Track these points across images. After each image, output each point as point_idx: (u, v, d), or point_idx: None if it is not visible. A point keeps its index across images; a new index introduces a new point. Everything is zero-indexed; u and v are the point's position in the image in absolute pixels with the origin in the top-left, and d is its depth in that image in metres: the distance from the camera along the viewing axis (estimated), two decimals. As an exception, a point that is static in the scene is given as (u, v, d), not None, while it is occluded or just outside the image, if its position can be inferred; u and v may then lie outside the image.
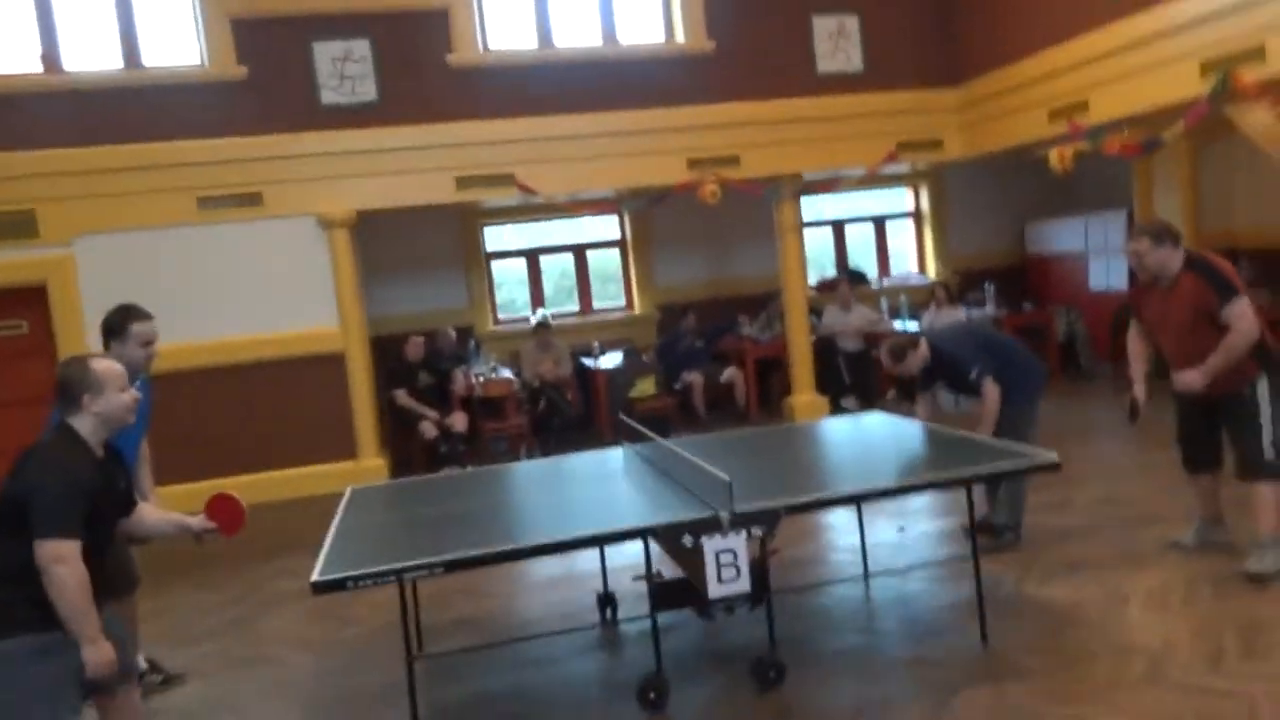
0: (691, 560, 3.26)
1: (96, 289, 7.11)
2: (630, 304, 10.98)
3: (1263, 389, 4.09)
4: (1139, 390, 4.39)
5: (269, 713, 3.74)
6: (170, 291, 7.60)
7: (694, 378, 9.09)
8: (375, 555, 3.21)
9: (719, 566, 3.16)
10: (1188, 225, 9.51)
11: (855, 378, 9.34)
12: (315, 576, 2.98)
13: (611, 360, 9.35)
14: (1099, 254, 10.33)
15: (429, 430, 8.08)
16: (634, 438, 4.56)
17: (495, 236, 10.71)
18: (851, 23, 8.59)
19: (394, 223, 8.68)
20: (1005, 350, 4.83)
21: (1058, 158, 7.42)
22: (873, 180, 9.74)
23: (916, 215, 11.85)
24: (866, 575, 4.45)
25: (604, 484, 4.27)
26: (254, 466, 7.71)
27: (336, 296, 7.94)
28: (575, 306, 10.83)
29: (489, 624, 4.43)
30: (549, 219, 10.58)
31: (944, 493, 4.92)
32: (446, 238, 10.10)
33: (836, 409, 9.01)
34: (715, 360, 9.53)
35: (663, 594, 3.50)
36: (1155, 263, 4.13)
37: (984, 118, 8.50)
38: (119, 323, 3.66)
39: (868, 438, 4.88)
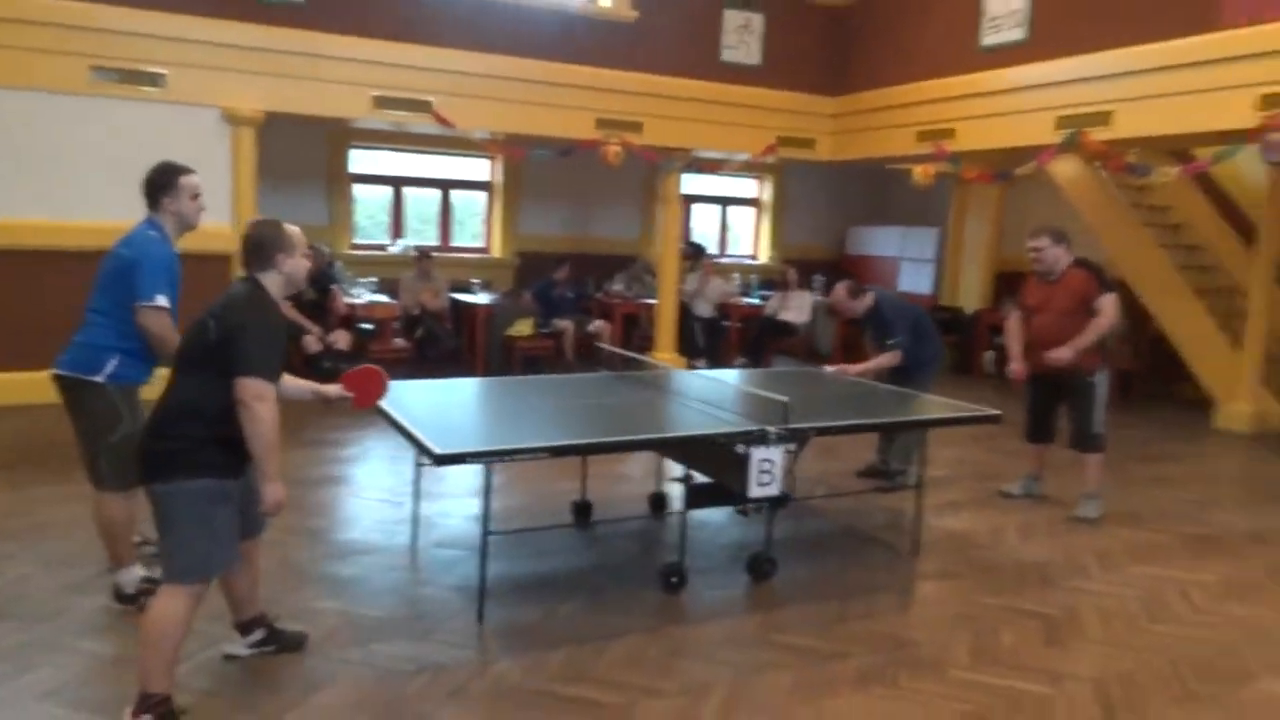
0: (730, 466, 3.87)
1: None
2: (489, 247, 11.26)
3: (1101, 379, 5.30)
4: (1015, 365, 5.50)
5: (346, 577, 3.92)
6: (51, 163, 7.10)
7: (566, 324, 9.57)
8: (477, 439, 3.55)
9: (760, 472, 3.80)
10: (990, 248, 11.30)
11: (708, 342, 10.23)
12: (438, 451, 3.28)
13: (483, 299, 9.62)
14: (911, 261, 11.92)
15: (312, 344, 7.98)
16: (528, 371, 5.06)
17: (360, 160, 10.57)
18: (757, 20, 9.39)
19: (267, 130, 8.41)
20: (926, 333, 5.79)
21: (922, 173, 8.66)
22: (750, 167, 10.66)
23: (758, 203, 12.99)
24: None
25: (631, 398, 4.74)
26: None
27: (234, 196, 7.66)
28: (434, 241, 10.93)
29: (551, 510, 4.87)
30: (417, 151, 10.63)
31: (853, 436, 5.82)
32: (313, 152, 9.92)
33: (690, 369, 9.85)
34: (583, 312, 10.06)
35: (696, 494, 4.10)
36: (1051, 257, 5.23)
37: (857, 128, 9.61)
38: (170, 177, 3.63)
39: (812, 384, 5.63)
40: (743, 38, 9.36)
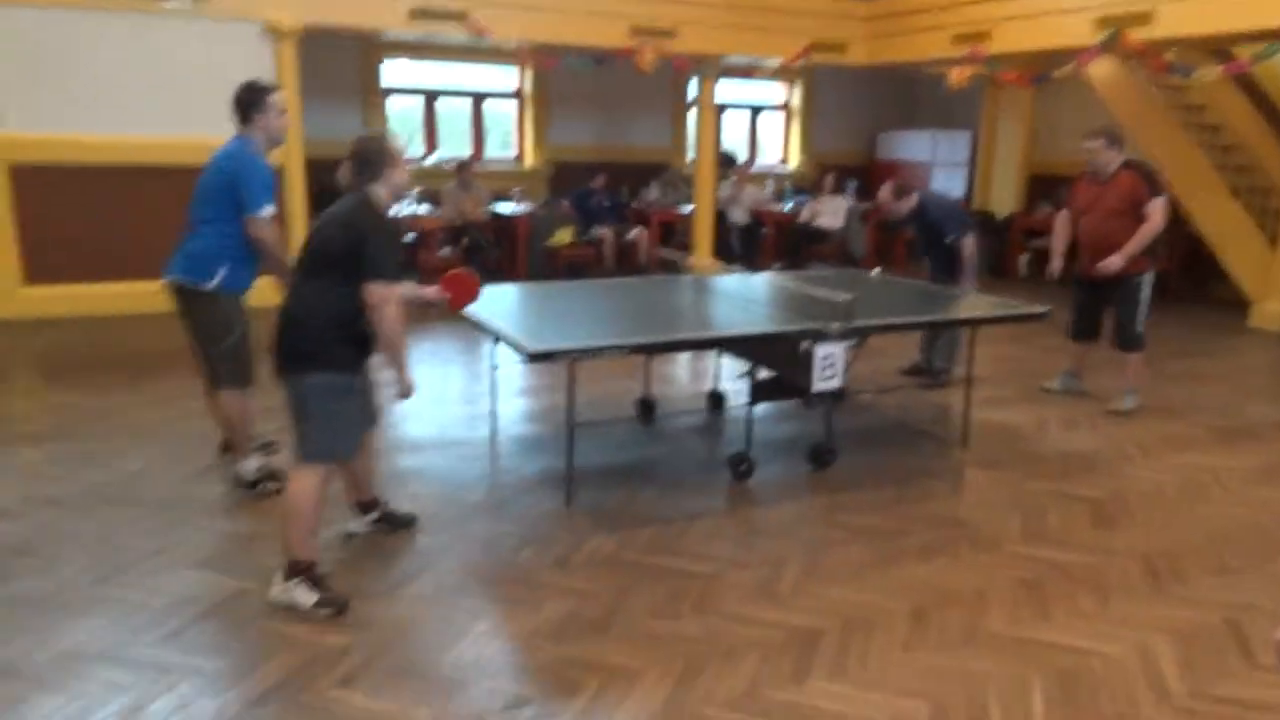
0: (794, 362, 4.10)
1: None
2: (522, 157, 11.33)
3: (1147, 281, 5.46)
4: (1057, 261, 5.66)
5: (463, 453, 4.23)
6: (95, 81, 7.22)
7: (605, 233, 9.73)
8: (560, 338, 3.79)
9: (823, 368, 4.03)
10: (1023, 151, 11.27)
11: (744, 248, 10.37)
12: (530, 347, 3.52)
13: (523, 208, 9.77)
14: (943, 165, 11.89)
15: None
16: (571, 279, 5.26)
17: (391, 72, 10.59)
18: (792, -79, 9.25)
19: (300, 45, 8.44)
20: (971, 230, 5.94)
21: (956, 76, 8.64)
22: (781, 72, 10.61)
23: (787, 109, 12.93)
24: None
25: (689, 300, 5.00)
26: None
27: (280, 109, 7.77)
28: (467, 152, 11.00)
29: (620, 404, 5.17)
30: (447, 60, 10.63)
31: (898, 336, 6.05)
32: (346, 67, 9.94)
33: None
34: (621, 220, 10.20)
35: (759, 389, 4.35)
36: (1104, 159, 5.33)
37: (890, 30, 9.54)
38: (259, 95, 3.79)
39: (858, 285, 5.85)
40: (777, -60, 9.24)
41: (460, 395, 5.49)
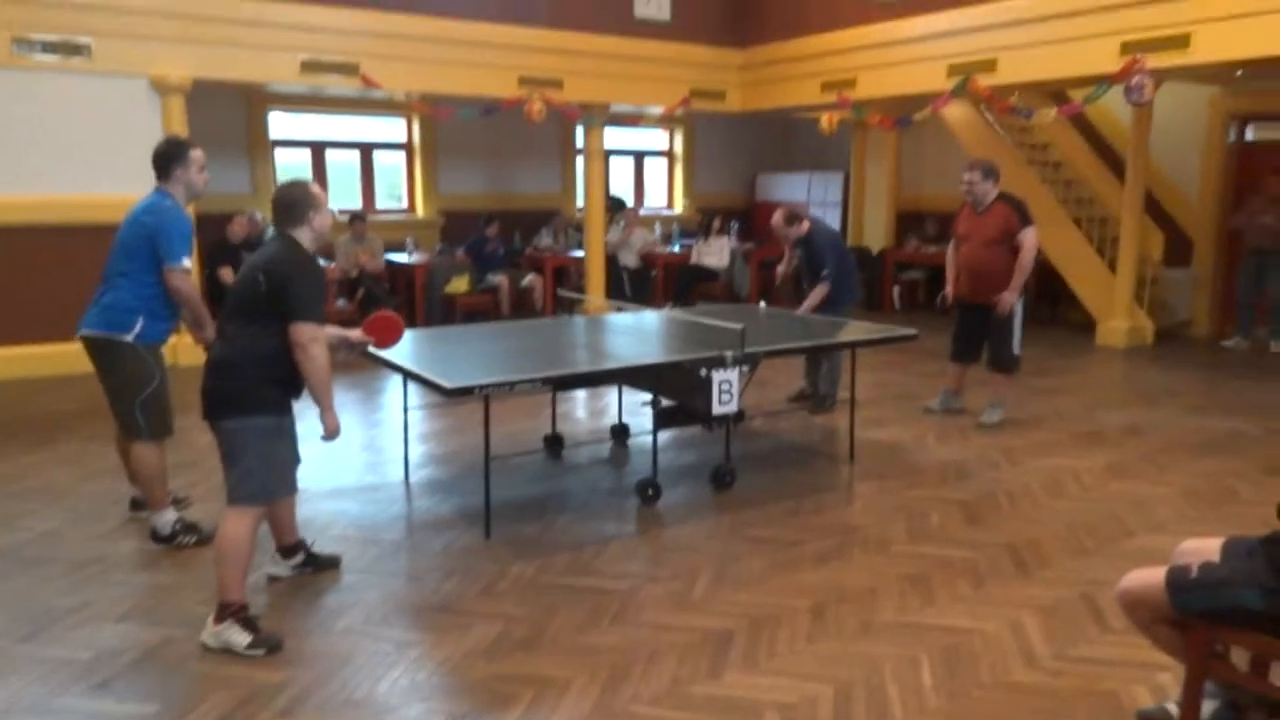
0: (694, 389, 4.40)
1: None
2: (413, 207, 11.46)
3: (1019, 307, 5.97)
4: (950, 288, 6.16)
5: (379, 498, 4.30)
6: (-22, 139, 7.06)
7: (501, 279, 9.92)
8: (468, 375, 3.97)
9: (720, 392, 4.35)
10: (890, 189, 12.05)
11: (635, 290, 10.73)
12: (447, 385, 3.70)
13: (416, 258, 9.88)
14: (818, 205, 12.59)
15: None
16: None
17: (280, 124, 10.61)
18: (667, -23, 9.80)
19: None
20: (849, 269, 6.41)
21: (827, 121, 9.27)
22: (662, 119, 11.09)
23: (670, 155, 13.47)
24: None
25: (598, 337, 5.27)
26: (63, 336, 7.35)
27: (167, 166, 7.72)
28: (357, 204, 11.07)
29: (527, 441, 5.36)
30: (336, 113, 10.73)
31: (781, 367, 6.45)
32: (233, 119, 9.94)
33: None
34: (515, 267, 10.41)
35: (663, 416, 4.63)
36: (981, 190, 5.86)
37: (765, 79, 10.16)
38: (180, 150, 3.90)
39: (744, 318, 6.23)
40: (655, -5, 9.77)
41: (364, 441, 5.58)
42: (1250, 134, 9.61)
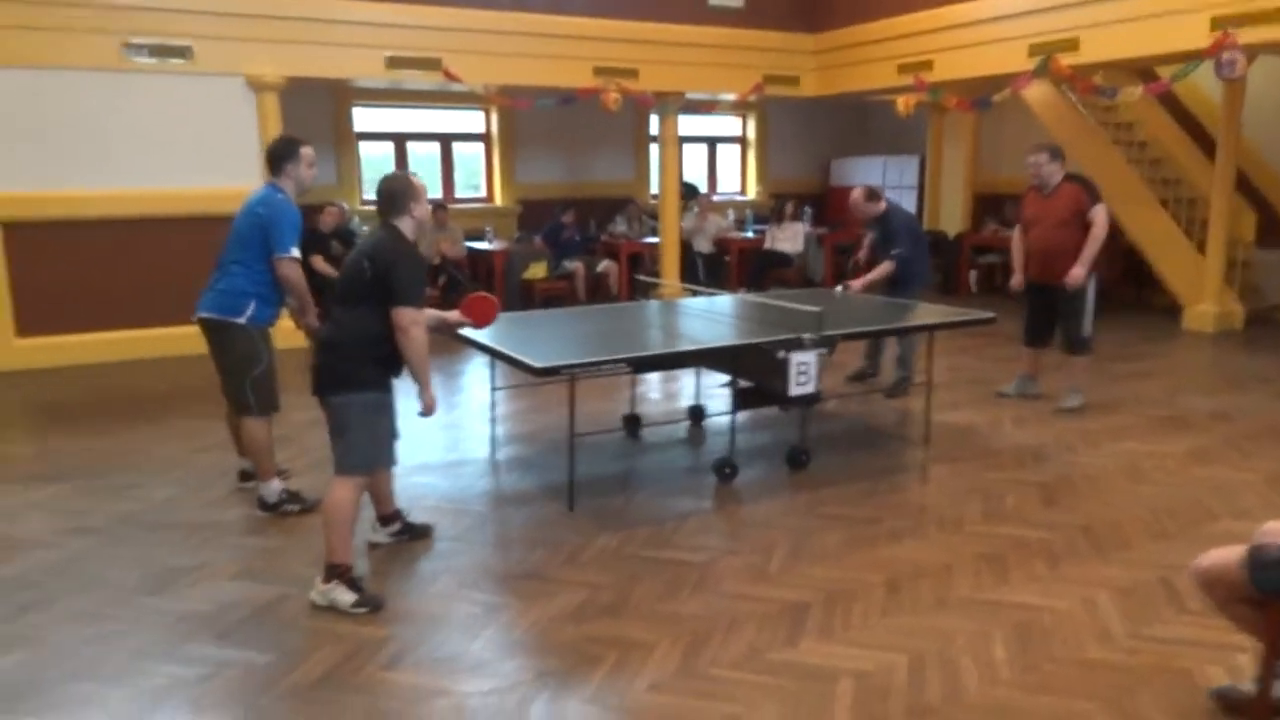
0: (771, 371, 4.49)
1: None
2: (491, 196, 11.74)
3: (1091, 287, 5.93)
4: (1016, 279, 6.14)
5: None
6: (91, 137, 7.50)
7: (577, 265, 10.12)
8: (552, 357, 4.14)
9: (798, 374, 4.43)
10: (967, 171, 11.89)
11: (709, 276, 10.83)
12: (537, 365, 3.88)
13: (496, 245, 10.14)
14: (893, 189, 12.47)
15: (345, 296, 8.51)
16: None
17: (363, 118, 10.97)
18: (740, -35, 9.83)
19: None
20: (922, 252, 6.43)
21: (904, 104, 9.21)
22: (736, 105, 11.14)
23: (743, 141, 13.49)
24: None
25: (676, 321, 5.41)
26: (165, 320, 7.84)
27: (262, 159, 8.07)
28: (438, 194, 11.38)
29: (605, 421, 5.54)
30: (416, 106, 11.05)
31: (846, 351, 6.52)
32: (320, 114, 10.31)
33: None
34: (591, 253, 10.61)
35: (741, 397, 4.74)
36: (1048, 172, 5.81)
37: (839, 63, 10.12)
38: (291, 149, 4.17)
39: (822, 301, 6.29)
40: (728, -18, 9.81)
41: (449, 420, 5.81)
42: (1351, 110, 9.23)
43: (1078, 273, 5.71)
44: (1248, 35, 6.72)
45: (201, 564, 3.69)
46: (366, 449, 3.37)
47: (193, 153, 7.88)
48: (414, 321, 3.29)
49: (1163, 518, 4.16)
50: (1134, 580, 3.51)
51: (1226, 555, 2.55)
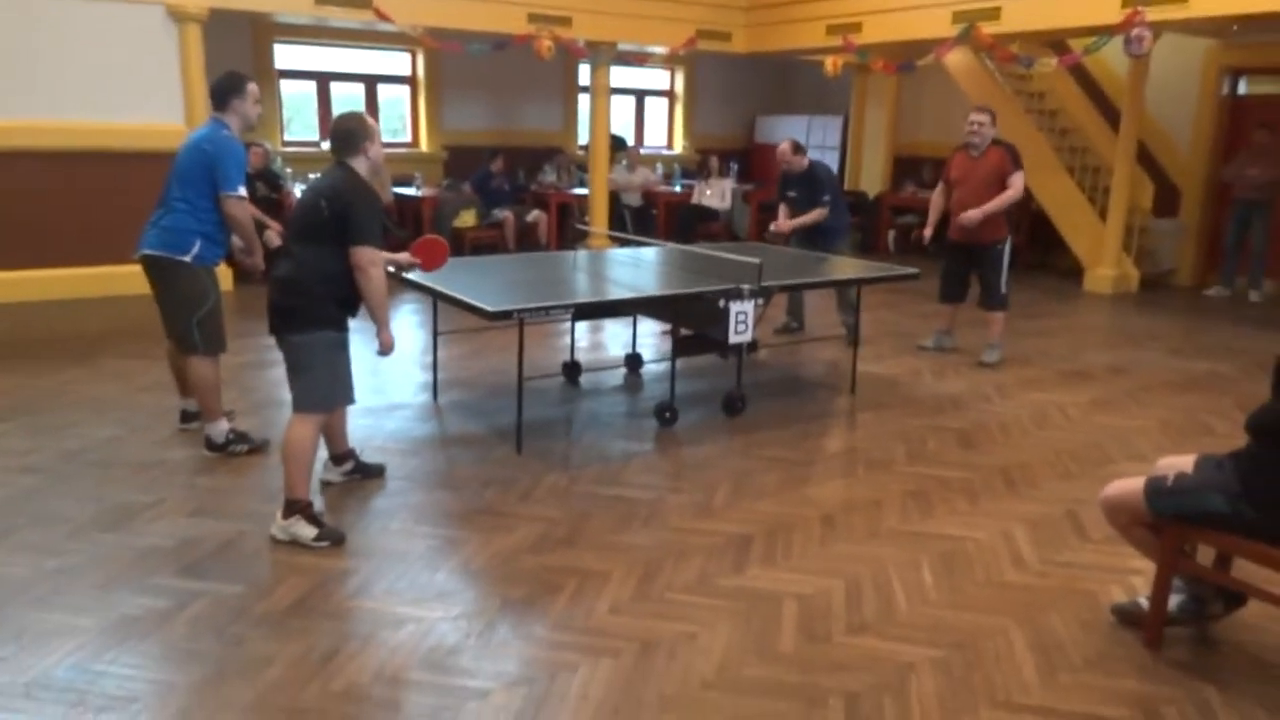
0: (712, 319, 4.68)
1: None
2: (416, 141, 11.56)
3: (1006, 247, 6.27)
4: (928, 230, 6.45)
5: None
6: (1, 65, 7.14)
7: (506, 215, 10.10)
8: (498, 302, 4.22)
9: (737, 322, 4.63)
10: (888, 133, 12.22)
11: (637, 228, 10.94)
12: (489, 309, 3.96)
13: (424, 192, 10.04)
14: (817, 149, 12.74)
15: (273, 239, 8.26)
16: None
17: (285, 56, 10.64)
18: (677, -85, 9.83)
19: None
20: (842, 203, 6.72)
21: (832, 64, 9.43)
22: (666, 59, 11.17)
23: (671, 95, 13.55)
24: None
25: (615, 270, 5.51)
26: (79, 259, 7.62)
27: (184, 94, 7.84)
28: (364, 137, 11.12)
29: (543, 368, 5.66)
30: (340, 45, 10.77)
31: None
32: (239, 50, 9.95)
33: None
34: (520, 203, 10.59)
35: (681, 344, 4.92)
36: (986, 134, 6.09)
37: (770, 20, 10.26)
38: (237, 83, 4.10)
39: (753, 254, 6.51)
40: (664, -66, 9.80)
41: (389, 363, 5.83)
42: (1243, 87, 9.84)
43: (972, 214, 6.00)
44: (1155, 14, 7.12)
45: (156, 501, 3.70)
46: (326, 387, 3.43)
47: (111, 85, 7.58)
48: (372, 261, 3.33)
49: (1067, 460, 4.53)
50: (1043, 514, 3.85)
51: (1129, 485, 2.86)
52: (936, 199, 6.45)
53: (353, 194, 3.35)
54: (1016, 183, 6.02)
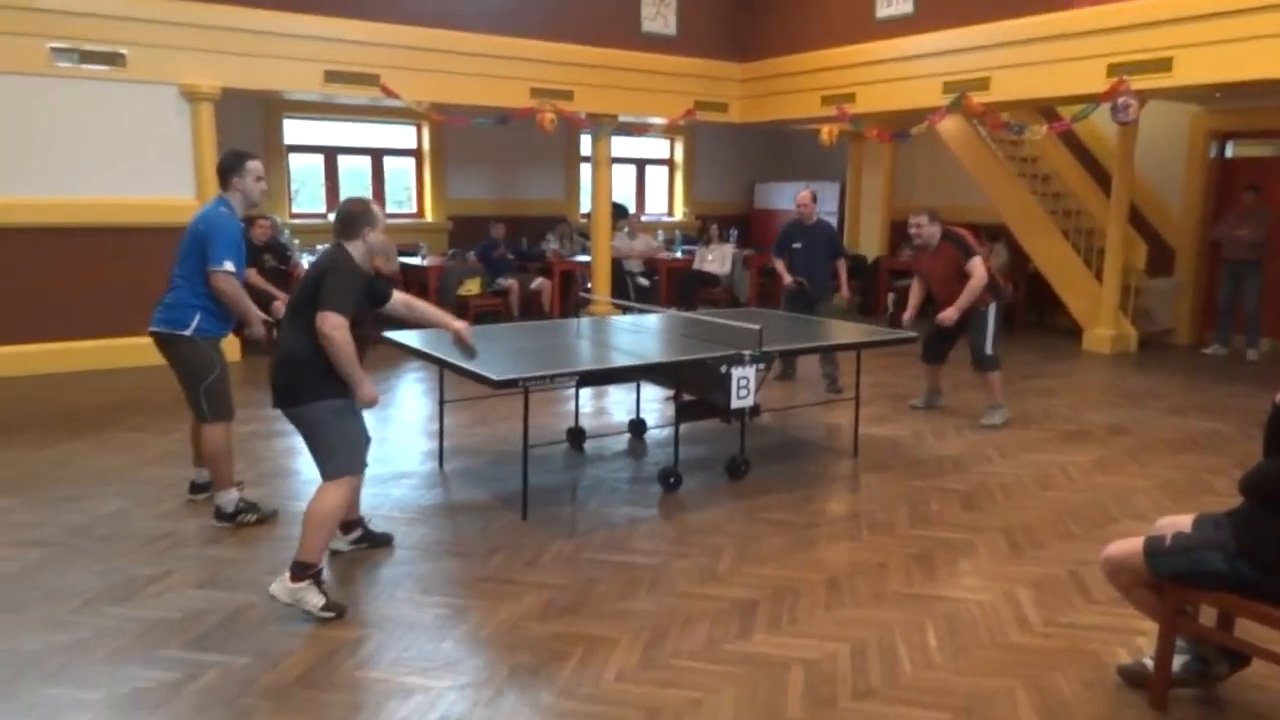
0: (714, 384, 4.75)
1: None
2: (421, 212, 11.80)
3: (992, 311, 6.38)
4: (908, 316, 6.56)
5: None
6: (15, 144, 7.35)
7: (510, 283, 10.26)
8: (504, 371, 4.30)
9: (739, 387, 4.70)
10: (885, 198, 12.46)
11: (639, 295, 11.09)
12: (495, 377, 4.04)
13: (429, 261, 10.21)
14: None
15: (279, 311, 8.43)
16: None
17: (293, 130, 10.93)
18: (673, -6, 10.20)
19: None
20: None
21: (827, 133, 9.67)
22: (666, 129, 11.45)
23: (671, 163, 13.85)
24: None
25: (618, 337, 5.60)
26: (94, 332, 7.74)
27: (196, 169, 8.05)
28: (369, 209, 11.35)
29: (547, 434, 5.72)
30: (348, 120, 11.07)
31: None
32: (250, 125, 10.24)
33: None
34: (523, 271, 10.76)
35: (684, 409, 4.98)
36: (928, 234, 6.29)
37: (766, 92, 10.55)
38: (236, 162, 4.25)
39: (752, 320, 6.60)
40: (659, 10, 10.16)
41: (394, 433, 5.90)
42: (1230, 150, 10.06)
43: (949, 314, 6.24)
44: (1140, 82, 7.33)
45: (165, 573, 3.73)
46: (346, 451, 3.48)
47: (125, 162, 7.78)
48: (335, 326, 3.31)
49: (1069, 520, 4.55)
50: (1047, 575, 3.87)
51: (1129, 545, 2.89)
52: (915, 288, 6.65)
53: (330, 265, 3.43)
54: (975, 268, 6.17)
